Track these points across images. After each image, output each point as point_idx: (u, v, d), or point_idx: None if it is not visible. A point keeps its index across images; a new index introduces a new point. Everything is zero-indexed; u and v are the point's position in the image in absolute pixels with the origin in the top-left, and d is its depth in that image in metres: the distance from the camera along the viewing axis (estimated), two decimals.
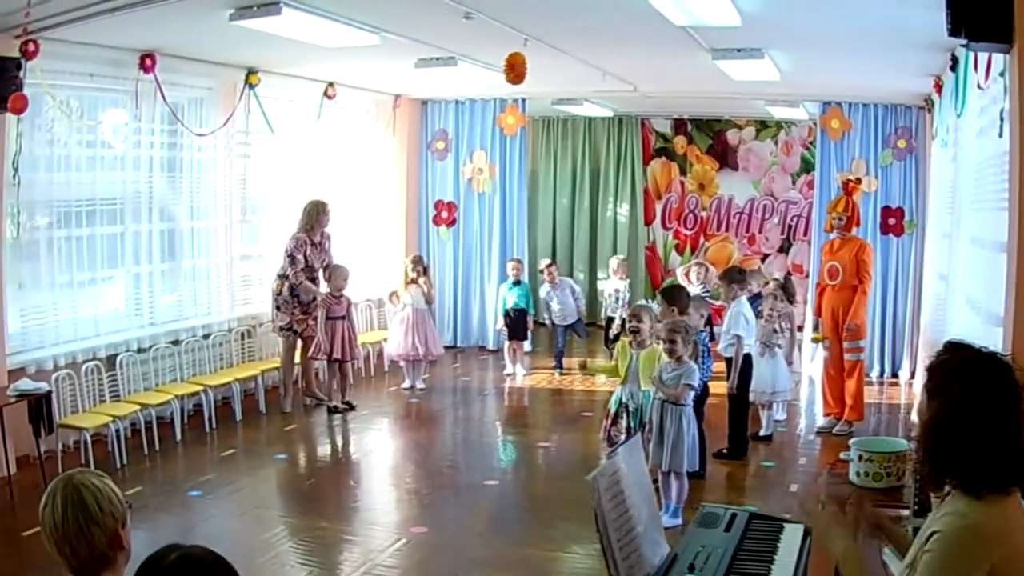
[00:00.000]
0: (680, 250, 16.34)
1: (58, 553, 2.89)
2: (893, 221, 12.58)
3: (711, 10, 7.18)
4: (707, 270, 12.09)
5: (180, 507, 7.72)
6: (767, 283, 10.24)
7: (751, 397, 9.29)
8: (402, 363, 12.02)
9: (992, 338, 5.62)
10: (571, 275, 15.30)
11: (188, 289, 10.60)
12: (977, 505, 2.67)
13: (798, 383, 11.39)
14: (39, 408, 7.88)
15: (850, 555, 3.05)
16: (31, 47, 7.79)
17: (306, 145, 12.14)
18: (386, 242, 13.98)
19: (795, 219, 15.65)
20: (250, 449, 9.44)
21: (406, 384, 11.95)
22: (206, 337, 10.48)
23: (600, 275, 16.04)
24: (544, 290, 12.96)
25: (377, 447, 10.06)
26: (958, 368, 2.83)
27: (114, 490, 2.96)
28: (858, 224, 10.56)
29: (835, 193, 11.57)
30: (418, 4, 7.50)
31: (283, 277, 10.60)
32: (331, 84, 12.14)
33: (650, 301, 11.85)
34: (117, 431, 8.58)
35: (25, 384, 7.98)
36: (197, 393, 9.87)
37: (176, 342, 10.11)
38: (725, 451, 9.02)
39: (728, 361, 9.10)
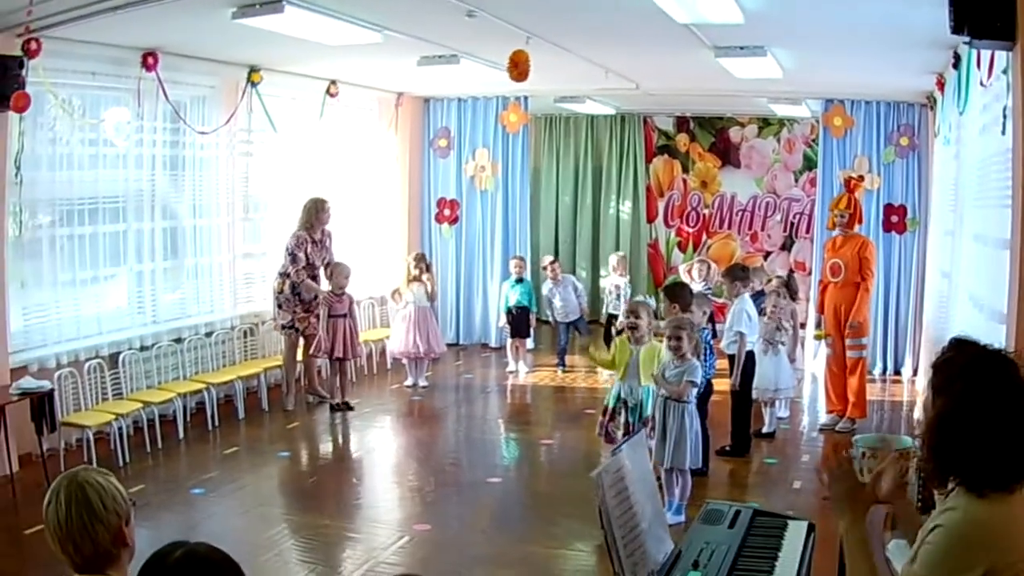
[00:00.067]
0: (682, 248, 16.34)
1: (62, 551, 2.90)
2: (895, 218, 12.58)
3: (714, 8, 7.18)
4: (709, 267, 12.09)
5: (183, 505, 7.71)
6: (770, 280, 10.22)
7: (754, 394, 9.29)
8: (404, 361, 12.03)
9: (995, 335, 5.62)
10: (573, 273, 15.28)
11: (191, 287, 10.60)
12: (980, 503, 2.67)
13: (801, 380, 11.38)
14: (42, 406, 7.88)
15: (853, 531, 3.04)
16: (33, 45, 7.78)
17: (308, 143, 12.13)
18: (388, 240, 13.98)
19: (797, 216, 15.64)
20: (253, 447, 9.44)
21: (408, 382, 11.96)
22: (209, 335, 10.48)
23: (602, 273, 16.05)
24: (547, 287, 12.99)
25: (380, 445, 10.06)
26: (963, 365, 2.83)
27: (118, 487, 2.97)
28: (860, 221, 10.55)
29: (837, 190, 11.56)
30: (421, 2, 7.50)
31: (284, 275, 10.61)
32: (333, 82, 12.13)
33: (648, 297, 11.87)
34: (120, 429, 8.57)
35: (28, 382, 7.98)
36: (200, 391, 9.88)
37: (179, 340, 10.11)
38: (728, 448, 9.02)
39: (731, 358, 9.09)
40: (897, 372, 12.65)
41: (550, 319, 13.48)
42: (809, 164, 15.30)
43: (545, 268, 13.03)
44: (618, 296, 12.90)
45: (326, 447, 9.91)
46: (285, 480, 8.67)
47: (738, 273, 9.50)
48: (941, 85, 10.23)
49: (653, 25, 7.83)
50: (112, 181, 9.53)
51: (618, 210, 16.64)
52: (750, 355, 9.03)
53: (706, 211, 16.24)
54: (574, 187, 17.03)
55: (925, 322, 11.77)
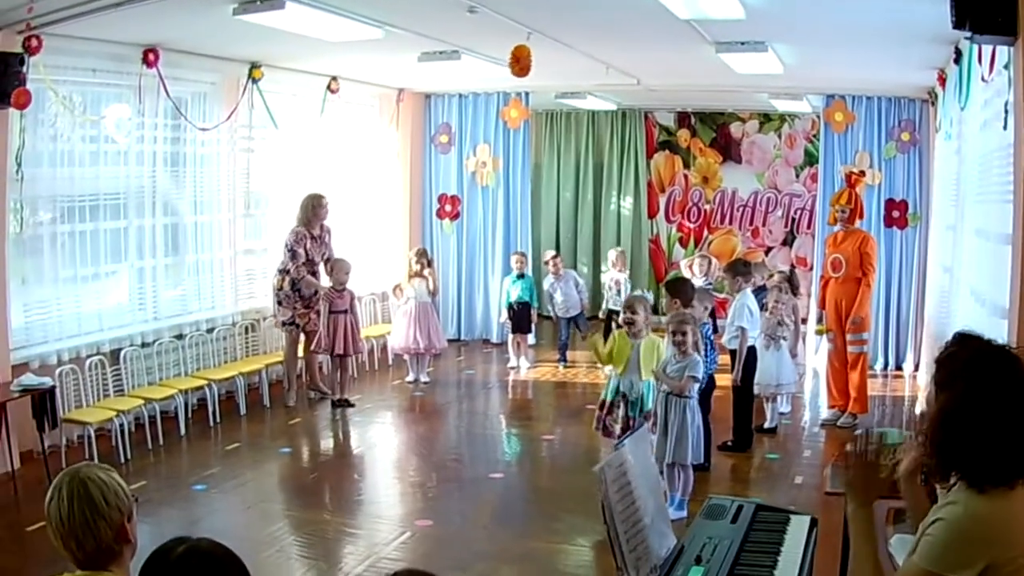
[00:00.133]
0: (684, 243, 16.32)
1: (64, 547, 2.90)
2: (897, 214, 12.57)
3: (715, 3, 7.18)
4: (710, 263, 12.09)
5: (184, 501, 7.72)
6: (771, 276, 10.23)
7: (756, 390, 9.29)
8: (406, 356, 12.03)
9: (997, 330, 5.61)
10: (575, 268, 15.25)
11: (192, 283, 10.60)
12: (980, 498, 2.67)
13: (802, 375, 11.38)
14: (43, 403, 7.89)
15: (861, 513, 3.05)
16: (34, 42, 7.78)
17: (309, 139, 12.13)
18: (390, 236, 13.98)
19: (799, 212, 15.62)
20: (254, 443, 9.45)
21: (410, 377, 11.97)
22: (210, 331, 10.48)
23: (603, 268, 16.03)
24: (548, 282, 13.02)
25: (381, 440, 10.06)
26: (966, 361, 2.83)
27: (120, 484, 2.96)
28: (861, 217, 10.56)
29: (839, 186, 11.57)
30: None
31: (284, 272, 10.61)
32: (334, 78, 12.12)
33: (646, 292, 11.86)
34: (121, 426, 8.58)
35: (29, 379, 8.00)
36: (201, 387, 9.88)
37: (180, 336, 10.11)
38: (730, 443, 9.03)
39: (732, 353, 9.09)
40: (898, 367, 12.65)
41: (551, 314, 13.49)
42: (810, 159, 15.27)
43: (547, 263, 13.06)
44: (618, 292, 12.91)
45: (328, 443, 9.92)
46: (286, 476, 8.67)
47: (740, 268, 9.50)
48: (942, 80, 10.22)
49: (654, 21, 7.83)
50: (113, 177, 9.53)
51: (619, 206, 16.63)
52: (751, 350, 9.03)
53: (707, 207, 16.22)
54: (575, 183, 17.01)
55: (926, 317, 11.77)
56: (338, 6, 7.56)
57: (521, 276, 12.69)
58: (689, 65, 10.32)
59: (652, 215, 16.53)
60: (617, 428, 7.73)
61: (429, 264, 11.94)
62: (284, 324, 10.72)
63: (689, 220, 16.34)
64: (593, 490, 7.23)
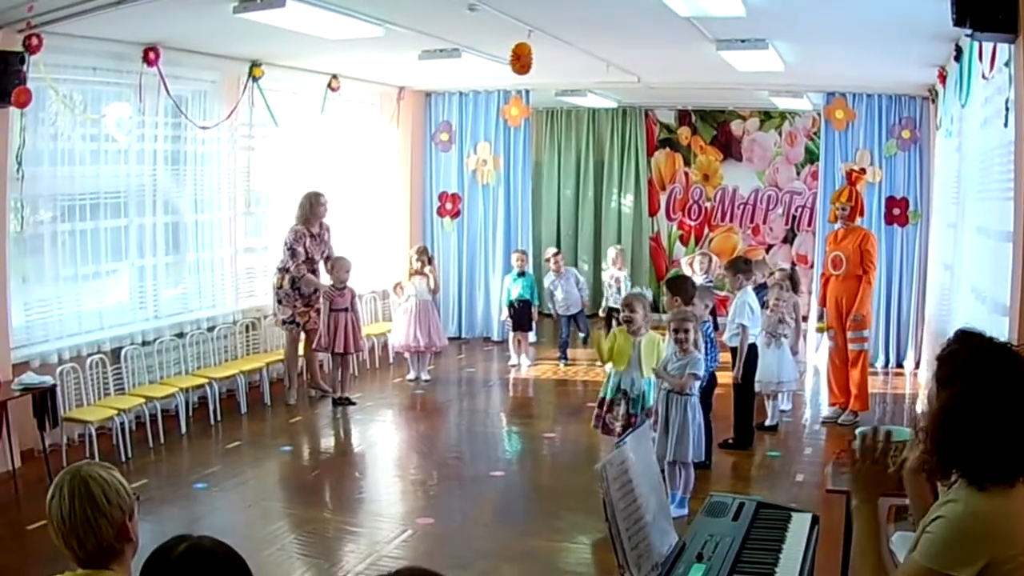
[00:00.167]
0: (684, 241, 16.32)
1: (65, 545, 2.89)
2: (897, 211, 12.58)
3: (715, 1, 7.17)
4: (710, 260, 12.07)
5: (185, 500, 7.72)
6: (772, 273, 10.22)
7: (757, 387, 9.29)
8: (406, 354, 12.03)
9: (998, 327, 5.62)
10: (575, 266, 15.25)
11: (192, 282, 10.60)
12: (981, 496, 2.67)
13: (803, 373, 11.38)
14: (44, 402, 7.89)
15: (866, 508, 3.05)
16: (34, 41, 7.78)
17: (310, 138, 12.12)
18: (390, 234, 13.98)
19: (799, 209, 15.63)
20: (255, 441, 9.44)
21: (411, 375, 11.97)
22: (211, 330, 10.48)
23: (604, 266, 16.02)
24: (549, 279, 13.04)
25: (382, 439, 10.06)
26: (968, 358, 2.83)
27: (121, 482, 2.96)
28: (862, 214, 10.57)
29: (839, 183, 11.58)
30: None
31: (283, 271, 10.60)
32: (335, 76, 12.12)
33: (644, 289, 11.85)
34: (122, 424, 8.58)
35: (30, 378, 8.00)
36: (202, 386, 9.88)
37: (181, 335, 10.11)
38: (731, 441, 9.03)
39: (733, 351, 9.09)
40: (899, 365, 12.66)
41: (551, 312, 13.50)
42: (811, 157, 15.27)
43: (548, 260, 13.08)
44: (618, 290, 12.90)
45: (328, 441, 9.92)
46: (287, 474, 8.67)
47: (740, 266, 9.50)
48: (943, 78, 10.22)
49: (655, 18, 7.82)
50: (113, 176, 9.53)
51: (620, 203, 16.63)
52: (752, 348, 9.03)
53: (708, 204, 16.22)
54: (576, 181, 17.01)
55: (927, 315, 11.77)
56: (338, 4, 7.56)
57: (522, 274, 12.69)
58: (690, 63, 10.32)
59: (653, 213, 16.53)
60: (618, 426, 7.73)
61: (430, 262, 11.94)
62: (284, 323, 10.72)
63: (690, 218, 16.34)
64: (594, 488, 7.21)
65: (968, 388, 2.74)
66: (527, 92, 13.99)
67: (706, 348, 8.02)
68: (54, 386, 8.05)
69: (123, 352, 9.33)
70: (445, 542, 6.97)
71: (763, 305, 9.48)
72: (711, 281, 11.57)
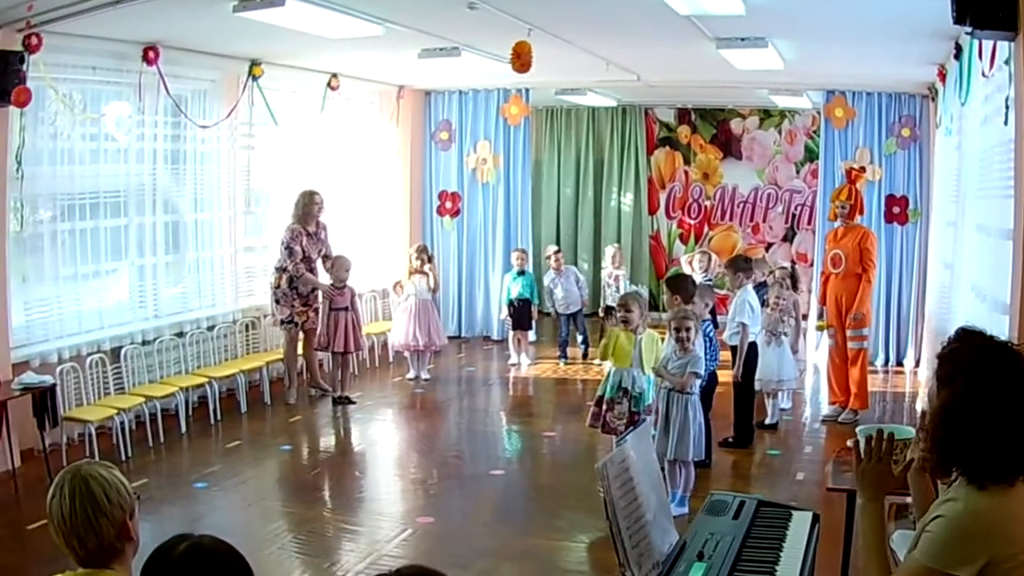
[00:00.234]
0: (684, 239, 16.31)
1: (66, 545, 2.89)
2: (897, 210, 12.58)
3: None
4: (710, 259, 12.06)
5: (185, 499, 7.72)
6: (772, 272, 10.22)
7: (757, 386, 9.30)
8: (406, 353, 12.03)
9: (998, 325, 5.62)
10: (575, 265, 15.24)
11: (192, 281, 10.60)
12: (981, 494, 2.67)
13: (803, 372, 11.38)
14: (44, 401, 7.90)
15: (872, 506, 3.06)
16: (34, 40, 7.78)
17: (310, 137, 12.12)
18: (390, 233, 13.98)
19: (799, 208, 15.62)
20: (255, 440, 9.44)
21: (411, 374, 11.97)
22: (210, 329, 10.48)
23: (603, 265, 16.02)
24: (549, 277, 13.05)
25: (382, 438, 10.06)
26: (969, 357, 2.83)
27: (122, 481, 2.95)
28: (862, 212, 10.56)
29: (839, 182, 11.56)
30: None
31: (281, 270, 10.58)
32: (335, 75, 12.12)
33: (640, 288, 11.83)
34: (122, 424, 8.58)
35: (30, 377, 8.00)
36: (202, 385, 9.88)
37: (180, 334, 10.10)
38: (731, 440, 9.03)
39: (733, 349, 9.09)
40: (899, 363, 12.66)
41: (551, 310, 13.50)
42: (810, 155, 15.27)
43: (549, 258, 13.09)
44: (617, 288, 12.89)
45: (328, 440, 9.92)
46: (287, 474, 8.67)
47: (741, 264, 9.50)
48: (943, 76, 10.22)
49: (654, 16, 7.83)
50: (113, 175, 9.53)
51: (619, 202, 16.62)
52: (752, 346, 9.03)
53: (708, 203, 16.22)
54: (575, 179, 17.00)
55: (927, 313, 11.78)
56: (338, 3, 7.55)
57: (521, 273, 12.70)
58: (689, 61, 10.32)
59: (652, 211, 16.53)
60: (620, 424, 7.72)
61: (429, 260, 11.93)
62: (282, 322, 10.70)
63: (689, 216, 16.34)
64: (593, 487, 7.23)
65: (969, 387, 2.74)
66: (527, 91, 13.99)
67: (706, 347, 8.02)
68: (54, 385, 8.05)
69: (123, 351, 9.33)
70: (445, 541, 6.97)
71: (763, 303, 9.48)
72: (711, 280, 11.56)
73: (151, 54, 9.20)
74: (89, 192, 9.25)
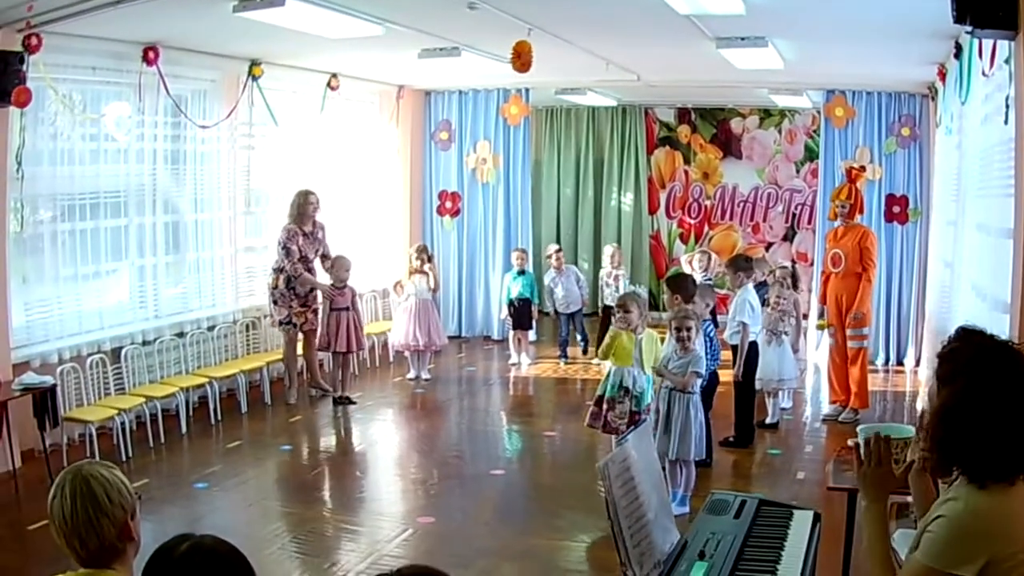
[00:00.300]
0: (684, 239, 16.31)
1: (67, 545, 2.88)
2: (897, 209, 12.58)
3: None
4: (710, 258, 12.05)
5: (186, 499, 7.72)
6: (772, 271, 10.22)
7: (757, 385, 9.30)
8: (406, 353, 12.03)
9: (998, 324, 5.62)
10: (575, 264, 15.23)
11: (192, 281, 10.60)
12: (981, 494, 2.67)
13: (804, 371, 11.38)
14: (44, 402, 7.89)
15: (875, 508, 3.06)
16: (34, 41, 7.77)
17: (310, 137, 12.12)
18: (390, 233, 13.98)
19: (799, 207, 15.62)
20: (256, 441, 9.44)
21: (411, 374, 11.97)
22: (211, 329, 10.47)
23: (603, 264, 16.03)
24: (549, 276, 13.05)
25: (382, 438, 10.06)
26: (969, 356, 2.83)
27: (123, 481, 2.95)
28: (862, 212, 10.56)
29: (839, 181, 11.55)
30: None
31: (278, 271, 10.56)
32: (334, 75, 12.11)
33: (639, 287, 11.82)
34: (122, 424, 8.58)
35: (30, 378, 8.00)
36: (202, 385, 9.87)
37: (181, 334, 10.10)
38: (731, 439, 9.03)
39: (734, 348, 9.09)
40: (900, 362, 12.67)
41: (550, 309, 13.51)
42: (811, 155, 15.26)
43: (550, 257, 13.10)
44: (617, 288, 12.86)
45: (329, 440, 9.92)
46: (288, 474, 8.67)
47: (741, 263, 9.50)
48: (943, 75, 10.22)
49: (654, 16, 7.83)
50: (113, 176, 9.53)
51: (620, 202, 16.62)
52: (753, 346, 9.03)
53: (708, 202, 16.21)
54: (575, 179, 17.00)
55: (927, 312, 11.78)
56: (338, 3, 7.55)
57: (522, 272, 12.70)
58: (689, 61, 10.31)
59: (653, 211, 16.53)
60: (622, 424, 7.71)
61: (429, 260, 11.93)
62: (280, 323, 10.67)
63: (690, 216, 16.33)
64: (594, 486, 7.24)
65: (969, 386, 2.74)
66: (527, 90, 13.99)
67: (708, 347, 8.02)
68: (54, 386, 8.05)
69: (123, 352, 9.32)
70: (446, 541, 6.97)
71: (764, 303, 9.48)
72: (710, 279, 11.56)
73: (151, 54, 9.20)
74: (89, 192, 9.25)
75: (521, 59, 8.42)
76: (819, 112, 13.45)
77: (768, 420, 9.64)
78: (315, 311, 10.74)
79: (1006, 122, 6.20)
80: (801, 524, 4.06)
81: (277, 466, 8.84)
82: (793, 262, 12.22)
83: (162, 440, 9.11)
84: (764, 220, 15.88)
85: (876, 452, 3.09)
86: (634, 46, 9.83)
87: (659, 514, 3.70)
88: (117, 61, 9.10)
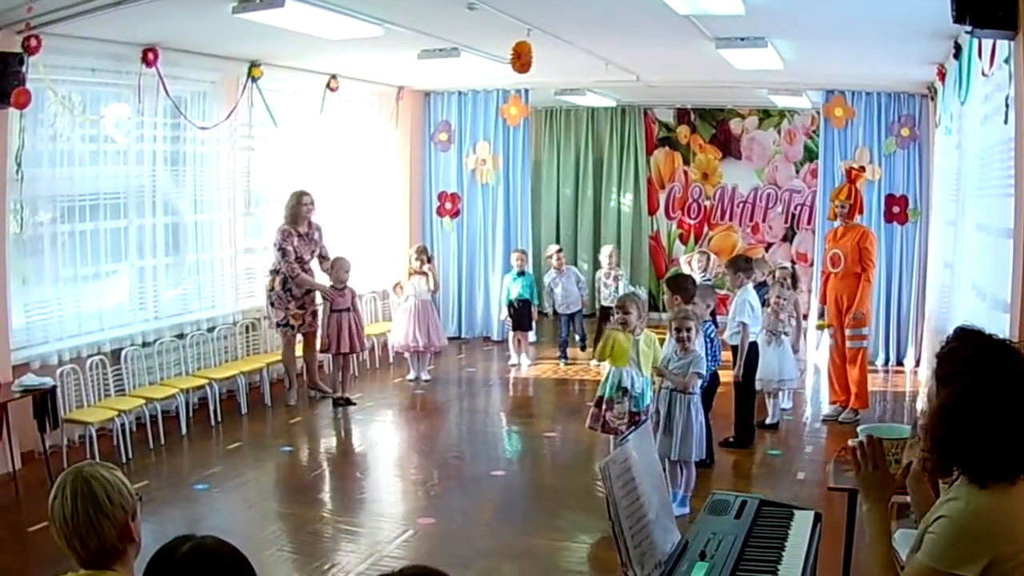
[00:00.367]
0: (684, 239, 16.31)
1: (68, 546, 2.88)
2: (897, 209, 12.59)
3: None
4: (709, 258, 12.05)
5: (186, 500, 7.72)
6: (772, 272, 10.22)
7: (757, 385, 9.30)
8: (406, 354, 12.03)
9: (998, 324, 5.62)
10: (575, 265, 15.23)
11: (192, 283, 10.59)
12: (982, 493, 2.68)
13: (804, 371, 11.38)
14: (44, 403, 7.88)
15: (876, 511, 3.07)
16: (33, 42, 7.77)
17: (309, 138, 12.12)
18: (390, 234, 13.98)
19: (799, 208, 15.61)
20: (256, 442, 9.44)
21: (411, 375, 11.97)
22: (211, 330, 10.47)
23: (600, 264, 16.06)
24: (549, 276, 13.06)
25: (383, 439, 10.06)
26: (968, 356, 2.83)
27: (124, 482, 2.95)
28: (861, 212, 10.56)
29: (839, 181, 11.56)
30: None
31: (274, 272, 10.55)
32: (334, 76, 12.11)
33: (638, 288, 11.81)
34: (122, 425, 8.57)
35: (30, 379, 7.99)
36: (202, 386, 9.87)
37: (181, 336, 10.10)
38: (731, 440, 9.03)
39: (734, 349, 9.09)
40: (899, 363, 12.67)
41: (549, 310, 13.51)
42: (810, 155, 15.26)
43: (550, 257, 13.10)
44: (616, 289, 12.85)
45: (329, 442, 9.91)
46: (288, 475, 8.66)
47: (741, 264, 9.49)
48: (942, 75, 10.22)
49: (654, 16, 7.83)
50: (113, 177, 9.53)
51: (619, 202, 16.61)
52: (753, 346, 9.03)
53: (707, 203, 16.21)
54: (575, 180, 17.00)
55: (927, 312, 11.78)
56: (338, 4, 7.55)
57: (521, 273, 12.70)
58: (689, 61, 10.32)
59: (652, 212, 16.52)
60: (620, 424, 7.71)
61: (429, 261, 11.93)
62: (278, 325, 10.66)
63: (689, 216, 16.33)
64: (594, 487, 7.24)
65: (968, 385, 2.74)
66: (526, 91, 13.99)
67: (708, 348, 8.02)
68: (54, 387, 8.04)
69: (123, 353, 9.32)
70: (446, 541, 6.97)
71: (764, 303, 9.48)
72: (709, 279, 11.55)
73: (150, 55, 9.20)
74: (89, 194, 9.25)
75: (521, 60, 8.42)
76: (818, 112, 13.46)
77: (768, 420, 9.64)
78: (314, 313, 10.74)
79: (1006, 122, 6.20)
80: (802, 524, 4.06)
81: (277, 467, 8.83)
82: (793, 262, 12.22)
83: (162, 441, 9.11)
84: (764, 220, 15.87)
85: (871, 455, 3.10)
86: (633, 46, 9.83)
87: (660, 514, 3.70)
88: (116, 62, 9.10)
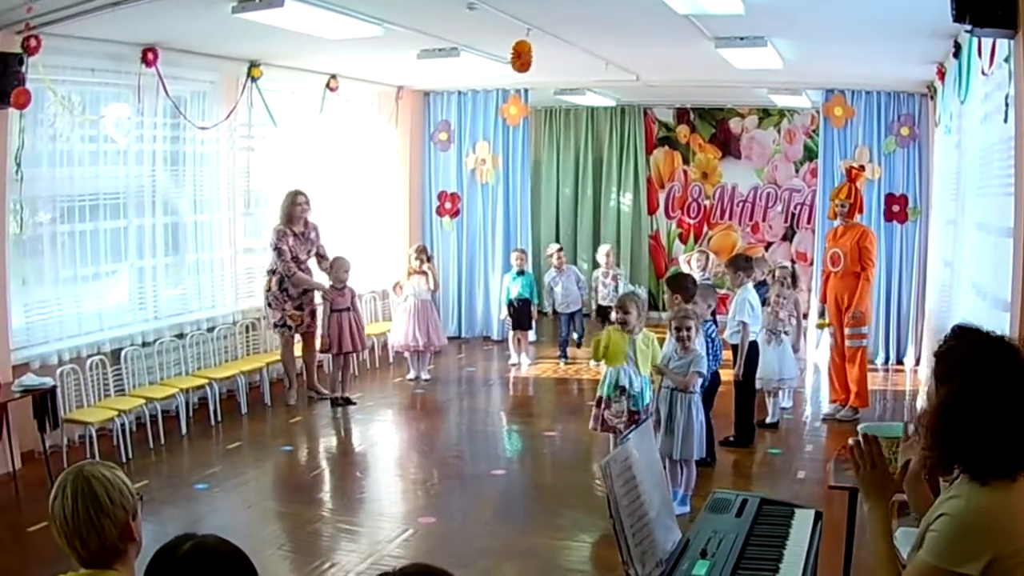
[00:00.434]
0: (684, 239, 16.30)
1: (68, 545, 2.88)
2: (897, 208, 12.59)
3: None
4: (708, 258, 12.03)
5: (186, 500, 7.72)
6: (772, 271, 10.22)
7: (758, 384, 9.30)
8: (406, 354, 12.03)
9: (998, 323, 5.62)
10: (575, 264, 15.23)
11: (192, 282, 10.59)
12: (983, 491, 2.68)
13: (804, 370, 11.38)
14: (44, 403, 7.88)
15: (877, 510, 3.07)
16: (33, 42, 7.77)
17: (309, 138, 12.12)
18: (390, 233, 13.97)
19: (798, 207, 15.61)
20: (256, 442, 9.44)
21: (411, 375, 11.97)
22: (210, 330, 10.47)
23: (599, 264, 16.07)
24: (549, 275, 13.07)
25: (383, 438, 10.06)
26: (966, 353, 2.83)
27: (124, 481, 2.95)
28: (861, 211, 10.56)
29: (838, 180, 11.56)
30: None
31: (271, 272, 10.55)
32: (333, 76, 12.11)
33: (637, 288, 11.80)
34: (122, 425, 8.57)
35: (30, 379, 7.99)
36: (202, 386, 9.87)
37: (180, 335, 10.10)
38: (731, 439, 9.03)
39: (734, 348, 9.09)
40: (899, 361, 12.67)
41: (549, 309, 13.51)
42: (810, 154, 15.26)
43: (551, 256, 13.11)
44: (616, 288, 12.85)
45: (329, 441, 9.91)
46: (288, 475, 8.66)
47: (741, 263, 9.49)
48: (942, 74, 10.22)
49: (653, 16, 7.83)
50: (113, 177, 9.53)
51: (619, 202, 16.61)
52: (753, 345, 9.03)
53: (707, 202, 16.20)
54: (575, 179, 17.00)
55: (927, 311, 11.79)
56: (337, 4, 7.55)
57: (521, 273, 12.70)
58: (688, 61, 10.31)
59: (652, 211, 16.52)
60: (619, 423, 7.70)
61: (429, 261, 11.93)
62: (276, 326, 10.66)
63: (689, 216, 16.33)
64: (594, 486, 7.24)
65: (966, 383, 2.74)
66: (526, 91, 13.99)
67: (709, 348, 8.01)
68: (54, 387, 8.04)
69: (123, 353, 9.32)
70: (446, 541, 6.96)
71: (764, 302, 9.48)
72: (708, 279, 11.54)
73: (150, 55, 9.20)
74: (88, 194, 9.25)
75: (521, 59, 8.42)
76: (818, 112, 13.46)
77: (768, 419, 9.64)
78: (312, 313, 10.73)
79: (1006, 121, 6.20)
80: (802, 523, 4.07)
81: (277, 467, 8.83)
82: (793, 262, 12.22)
83: (162, 441, 9.11)
84: (763, 220, 15.87)
85: (869, 454, 3.10)
86: (633, 46, 9.83)
87: (661, 513, 3.70)
88: (116, 62, 9.10)
